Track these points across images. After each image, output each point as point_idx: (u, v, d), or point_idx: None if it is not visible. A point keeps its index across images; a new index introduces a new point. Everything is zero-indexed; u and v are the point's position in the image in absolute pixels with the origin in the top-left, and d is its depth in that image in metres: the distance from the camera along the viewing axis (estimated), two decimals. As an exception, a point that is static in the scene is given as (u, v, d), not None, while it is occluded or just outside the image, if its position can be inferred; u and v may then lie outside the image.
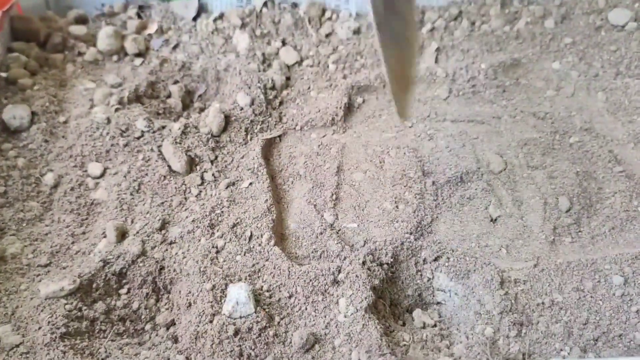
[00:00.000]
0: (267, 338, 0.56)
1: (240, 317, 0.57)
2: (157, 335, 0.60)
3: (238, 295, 0.57)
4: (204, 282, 0.60)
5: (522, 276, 0.63)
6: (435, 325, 0.63)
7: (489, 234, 0.69)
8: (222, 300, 0.58)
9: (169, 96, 0.85)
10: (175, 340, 0.58)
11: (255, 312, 0.57)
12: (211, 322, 0.56)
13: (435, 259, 0.65)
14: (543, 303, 0.60)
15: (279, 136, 0.80)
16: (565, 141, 0.78)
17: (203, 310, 0.57)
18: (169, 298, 0.63)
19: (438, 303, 0.65)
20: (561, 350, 0.57)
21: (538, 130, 0.80)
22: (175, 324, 0.61)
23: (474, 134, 0.80)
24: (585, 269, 0.63)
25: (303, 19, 0.94)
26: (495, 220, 0.70)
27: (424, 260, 0.65)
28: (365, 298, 0.58)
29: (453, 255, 0.65)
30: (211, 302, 0.58)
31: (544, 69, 0.90)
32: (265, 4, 0.94)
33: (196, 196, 0.71)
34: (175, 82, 0.86)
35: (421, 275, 0.65)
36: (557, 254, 0.66)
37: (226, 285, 0.60)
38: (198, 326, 0.56)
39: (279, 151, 0.79)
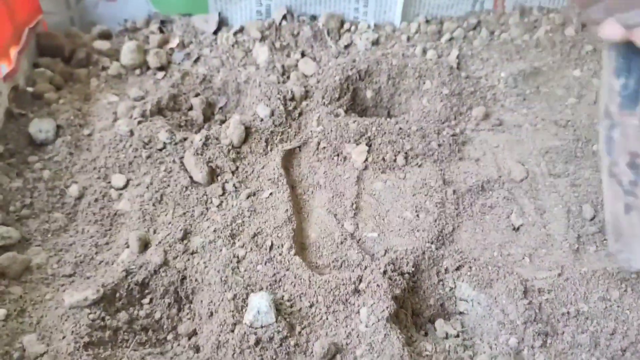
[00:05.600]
0: (288, 348, 0.56)
1: (262, 327, 0.57)
2: (179, 345, 0.60)
3: (259, 304, 0.57)
4: (226, 291, 0.60)
5: (546, 285, 0.62)
6: (458, 336, 0.62)
7: (512, 242, 0.68)
8: (243, 310, 0.59)
9: (190, 109, 0.86)
10: (197, 350, 0.58)
11: (276, 321, 0.57)
12: (232, 331, 0.56)
13: (457, 268, 0.65)
14: (568, 312, 0.59)
15: (299, 146, 0.80)
16: (588, 149, 0.78)
17: (224, 320, 0.57)
18: (191, 308, 0.64)
19: (460, 313, 0.65)
20: (588, 361, 0.56)
21: (560, 138, 0.79)
22: (197, 333, 0.61)
23: (494, 142, 0.80)
24: (612, 278, 0.62)
25: (322, 30, 0.95)
26: (518, 228, 0.70)
27: (446, 269, 0.65)
28: (387, 307, 0.58)
29: (475, 264, 0.64)
30: (232, 311, 0.58)
31: (564, 77, 0.90)
32: (284, 17, 0.95)
33: (217, 206, 0.71)
34: (197, 94, 0.87)
35: (443, 284, 0.65)
36: (582, 262, 0.65)
37: (247, 294, 0.60)
38: (219, 335, 0.56)
39: (298, 161, 0.79)
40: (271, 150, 0.79)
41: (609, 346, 0.56)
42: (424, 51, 0.93)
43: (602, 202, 0.70)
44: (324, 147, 0.79)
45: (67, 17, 0.95)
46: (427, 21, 0.98)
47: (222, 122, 0.85)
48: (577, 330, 0.58)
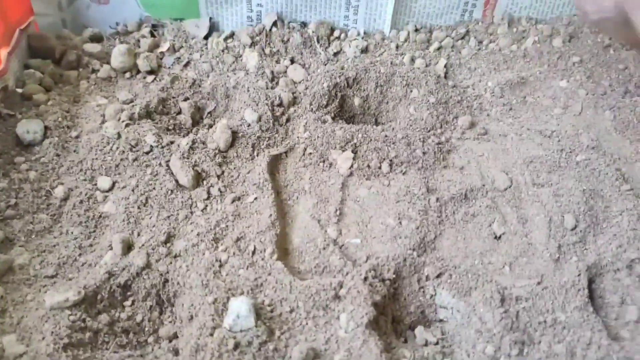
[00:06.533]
0: (267, 352, 0.56)
1: (241, 331, 0.57)
2: (159, 347, 0.61)
3: (239, 308, 0.58)
4: (206, 295, 0.61)
5: (524, 294, 0.62)
6: (437, 343, 0.63)
7: (493, 251, 0.69)
8: (224, 314, 0.59)
9: (179, 112, 0.87)
10: (176, 352, 0.58)
11: (255, 326, 0.57)
12: (211, 335, 0.57)
13: (438, 276, 0.65)
14: (545, 321, 0.60)
15: (286, 152, 0.81)
16: (572, 159, 0.78)
17: (204, 323, 0.58)
18: (173, 311, 0.64)
19: (441, 320, 0.65)
20: (563, 369, 0.56)
21: (544, 148, 0.80)
22: (177, 336, 0.62)
23: (479, 151, 0.80)
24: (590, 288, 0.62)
25: (312, 37, 0.96)
26: (499, 237, 0.70)
27: (427, 276, 0.65)
28: (367, 314, 0.58)
29: (455, 272, 0.65)
30: (212, 315, 0.58)
31: (551, 87, 0.90)
32: (275, 23, 0.96)
33: (202, 210, 0.72)
34: (186, 99, 0.88)
35: (424, 292, 0.65)
36: (562, 272, 0.65)
37: (228, 298, 0.60)
38: (198, 339, 0.56)
39: (285, 167, 0.80)
40: (257, 155, 0.79)
41: (585, 356, 0.57)
42: (413, 60, 0.93)
43: (583, 212, 0.71)
44: (310, 153, 0.80)
45: (58, 19, 0.95)
46: (417, 30, 0.99)
47: (211, 126, 0.86)
48: (553, 340, 0.58)
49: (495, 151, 0.80)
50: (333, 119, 0.86)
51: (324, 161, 0.79)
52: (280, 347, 0.57)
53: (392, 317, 0.64)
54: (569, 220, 0.70)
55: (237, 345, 0.56)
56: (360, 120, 0.91)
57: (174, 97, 0.88)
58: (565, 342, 0.58)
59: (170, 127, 0.84)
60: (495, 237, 0.70)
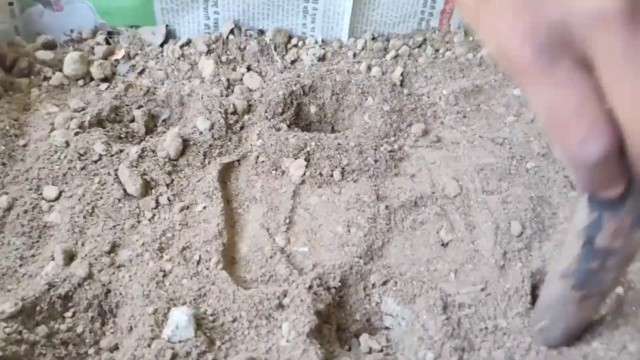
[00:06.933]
0: (206, 362, 0.55)
1: (180, 342, 0.56)
2: (100, 359, 0.60)
3: (179, 319, 0.57)
4: (147, 305, 0.60)
5: (467, 300, 0.62)
6: (382, 350, 0.62)
7: (439, 258, 0.69)
8: (164, 324, 0.58)
9: (132, 120, 0.86)
10: (113, 364, 0.58)
11: (195, 336, 0.57)
12: (149, 346, 0.56)
13: (384, 283, 0.65)
14: (487, 328, 0.60)
15: (238, 160, 0.80)
16: (522, 166, 0.79)
17: (142, 335, 0.57)
18: (115, 322, 0.63)
19: (387, 328, 0.65)
20: (502, 376, 0.56)
21: (495, 156, 0.80)
22: (118, 348, 0.61)
23: (431, 158, 0.81)
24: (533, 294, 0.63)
25: (269, 45, 0.96)
26: (447, 244, 0.71)
27: (373, 284, 0.65)
28: (308, 322, 0.58)
29: (401, 279, 0.65)
30: (152, 325, 0.58)
31: (505, 95, 0.91)
32: (232, 31, 0.96)
33: (149, 220, 0.71)
34: (140, 106, 0.87)
35: (369, 299, 0.65)
36: (506, 278, 0.66)
37: (169, 309, 0.60)
38: (136, 350, 0.56)
39: (237, 175, 0.79)
40: (209, 163, 0.79)
41: (523, 361, 0.57)
42: (369, 68, 0.94)
43: (530, 219, 0.71)
44: (263, 161, 0.79)
45: (11, 26, 0.94)
46: (374, 38, 0.99)
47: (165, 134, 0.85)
48: (493, 346, 0.59)
49: (447, 159, 0.81)
50: (289, 126, 0.86)
51: (276, 169, 0.79)
52: (220, 357, 0.57)
53: (337, 325, 0.64)
54: (515, 227, 0.70)
55: (174, 356, 0.55)
56: (317, 128, 0.91)
57: (127, 105, 0.87)
58: (504, 347, 0.58)
59: (122, 136, 0.83)
60: (443, 244, 0.71)
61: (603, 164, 0.32)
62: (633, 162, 0.32)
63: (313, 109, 0.90)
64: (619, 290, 0.62)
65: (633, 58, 0.26)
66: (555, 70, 0.29)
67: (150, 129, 0.87)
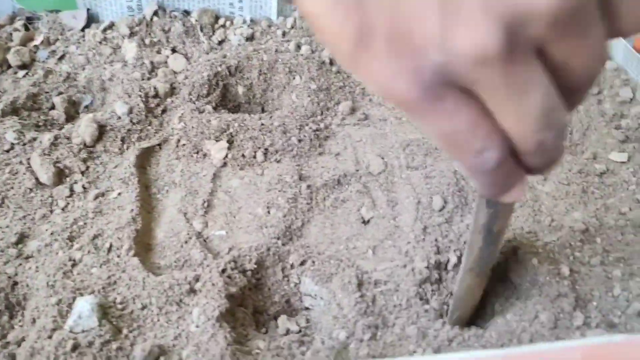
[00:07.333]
0: (110, 352, 0.54)
1: (82, 332, 0.54)
2: (3, 355, 0.58)
3: (82, 308, 0.55)
4: (51, 296, 0.58)
5: (384, 277, 0.62)
6: (300, 332, 0.61)
7: (359, 235, 0.68)
8: (68, 315, 0.56)
9: (52, 108, 0.83)
10: (13, 357, 0.55)
11: (99, 325, 0.55)
12: (50, 337, 0.54)
13: (302, 263, 0.64)
14: (401, 304, 0.59)
15: (159, 144, 0.78)
16: (449, 141, 0.78)
17: (44, 326, 0.55)
18: (24, 314, 0.61)
19: (307, 308, 0.64)
20: (414, 352, 0.56)
21: (422, 132, 0.80)
22: (25, 341, 0.59)
23: (357, 136, 0.80)
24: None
25: (195, 26, 0.93)
26: (368, 221, 0.70)
27: (292, 265, 0.64)
28: (219, 306, 0.57)
29: (319, 258, 0.64)
30: (55, 316, 0.56)
31: (435, 71, 0.90)
32: (155, 13, 0.93)
33: (62, 209, 0.69)
34: (60, 93, 0.84)
35: (288, 280, 0.64)
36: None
37: (74, 298, 0.58)
38: (36, 342, 0.54)
39: (157, 160, 0.77)
40: (127, 149, 0.77)
41: (436, 337, 0.57)
42: (298, 46, 0.92)
43: (452, 193, 0.71)
44: (184, 145, 0.77)
45: None
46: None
47: (87, 121, 0.82)
48: (407, 322, 0.58)
49: (373, 136, 0.80)
50: (215, 109, 0.84)
51: (197, 152, 0.77)
52: (126, 346, 0.55)
53: (254, 308, 0.63)
54: (437, 202, 0.70)
55: (76, 347, 0.53)
56: (246, 109, 0.89)
57: (46, 92, 0.84)
58: (418, 323, 0.58)
59: (40, 124, 0.80)
60: (364, 222, 0.70)
61: (501, 168, 0.34)
62: (525, 161, 0.34)
63: (241, 90, 0.88)
64: (534, 261, 0.62)
65: (513, 88, 0.29)
66: (443, 104, 0.30)
67: (71, 116, 0.84)
